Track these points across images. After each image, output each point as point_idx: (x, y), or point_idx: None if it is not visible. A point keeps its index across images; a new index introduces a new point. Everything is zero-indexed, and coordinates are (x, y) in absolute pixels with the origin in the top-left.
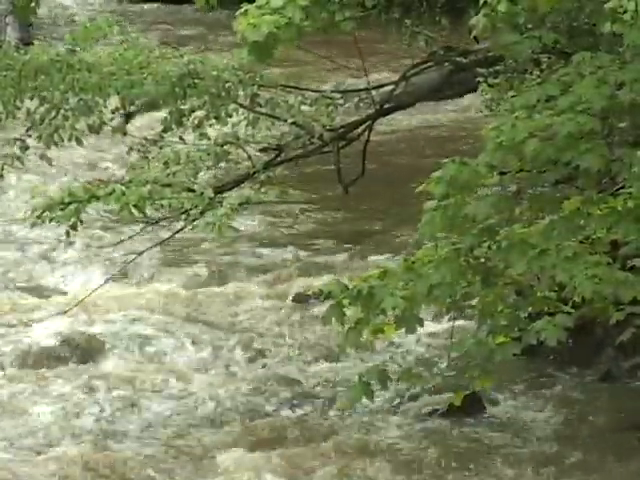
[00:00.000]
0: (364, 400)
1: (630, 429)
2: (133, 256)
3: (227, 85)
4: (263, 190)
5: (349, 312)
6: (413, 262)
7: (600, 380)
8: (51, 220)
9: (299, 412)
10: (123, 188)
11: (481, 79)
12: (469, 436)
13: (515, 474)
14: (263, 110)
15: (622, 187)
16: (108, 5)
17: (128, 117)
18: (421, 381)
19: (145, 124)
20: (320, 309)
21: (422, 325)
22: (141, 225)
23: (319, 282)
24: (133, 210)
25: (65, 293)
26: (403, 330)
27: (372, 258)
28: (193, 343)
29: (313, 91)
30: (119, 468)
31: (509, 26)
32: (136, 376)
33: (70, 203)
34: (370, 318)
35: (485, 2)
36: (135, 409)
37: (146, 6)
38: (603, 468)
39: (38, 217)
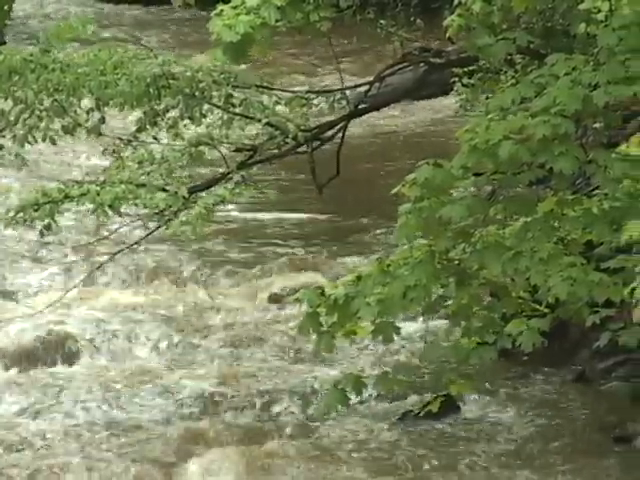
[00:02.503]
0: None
1: (604, 430)
2: (107, 257)
3: (201, 85)
4: (238, 190)
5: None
6: (388, 265)
7: (575, 381)
8: (25, 221)
9: (272, 412)
10: (97, 188)
11: (456, 79)
12: (443, 437)
13: (489, 474)
14: (237, 110)
15: (596, 188)
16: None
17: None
18: (398, 385)
19: (120, 124)
20: (295, 309)
21: (398, 333)
22: (116, 225)
23: (294, 282)
24: (107, 210)
25: (39, 293)
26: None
27: (347, 258)
28: (167, 342)
29: (287, 91)
30: (89, 466)
31: (483, 26)
32: (109, 375)
33: (45, 204)
34: (344, 323)
35: (460, 2)
36: (107, 407)
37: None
38: (577, 468)
39: (12, 218)
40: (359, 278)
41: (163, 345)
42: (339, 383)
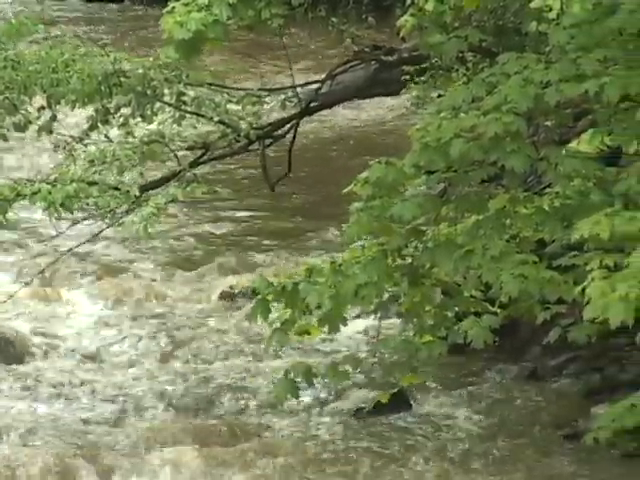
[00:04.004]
0: (291, 398)
1: (554, 427)
2: (57, 256)
3: (153, 83)
4: (189, 189)
5: (276, 313)
6: (340, 264)
7: (526, 378)
8: None
9: (224, 410)
10: (49, 187)
11: (407, 77)
12: (395, 433)
13: (439, 470)
14: (189, 108)
15: (548, 186)
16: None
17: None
18: (346, 377)
19: (71, 122)
20: (246, 307)
21: (345, 324)
22: (68, 223)
23: (245, 280)
24: (59, 209)
25: None
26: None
27: (298, 257)
28: (119, 341)
29: (239, 89)
30: (48, 464)
31: (436, 25)
32: (63, 373)
33: None
34: (296, 318)
35: (412, 2)
36: (62, 405)
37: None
38: (527, 465)
39: None
40: (310, 270)
41: (114, 343)
42: (289, 373)
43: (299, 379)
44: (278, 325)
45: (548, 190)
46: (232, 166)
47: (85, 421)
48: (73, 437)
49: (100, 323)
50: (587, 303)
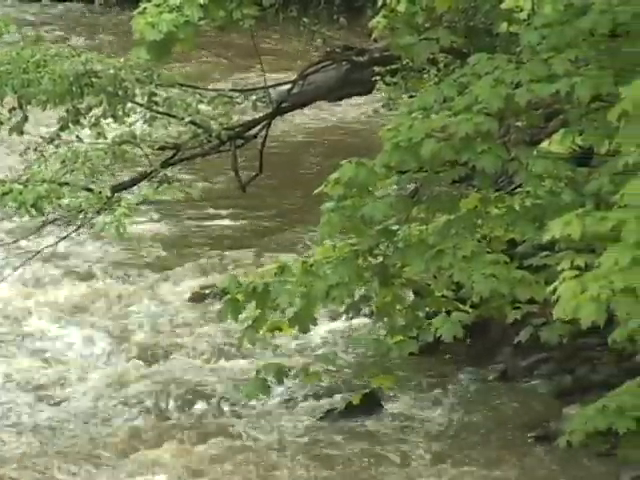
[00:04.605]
0: (261, 399)
1: (526, 428)
2: (28, 257)
3: (124, 84)
4: (161, 189)
5: (247, 312)
6: (311, 265)
7: (497, 379)
8: None
9: (194, 411)
10: (20, 187)
11: (378, 78)
12: (366, 434)
13: (411, 471)
14: (160, 109)
15: (519, 186)
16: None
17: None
18: (318, 378)
19: (42, 123)
20: (217, 307)
21: (316, 325)
22: (38, 224)
23: (216, 281)
24: (31, 210)
25: None
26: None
27: (269, 257)
28: (88, 343)
29: (210, 90)
30: (22, 466)
31: (407, 26)
32: (31, 375)
33: None
34: (266, 315)
35: (384, 3)
36: (28, 408)
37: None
38: (497, 465)
39: None
40: (281, 269)
41: (84, 345)
42: (260, 372)
43: (270, 378)
44: (249, 324)
45: (519, 190)
46: (203, 166)
47: (52, 424)
48: (42, 439)
49: (68, 324)
50: (557, 302)
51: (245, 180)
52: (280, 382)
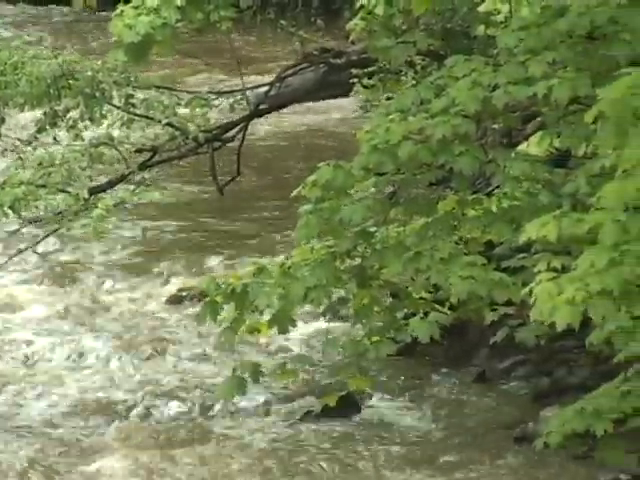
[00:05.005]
0: (238, 402)
1: (504, 430)
2: (4, 259)
3: (101, 86)
4: (138, 191)
5: (225, 313)
6: (289, 267)
7: (474, 381)
8: None
9: (171, 414)
10: None
11: (355, 80)
12: (343, 437)
13: (389, 475)
14: (138, 111)
15: (496, 188)
16: None
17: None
18: (295, 376)
19: (19, 124)
20: (194, 310)
21: (294, 326)
22: (15, 226)
23: (193, 283)
24: (8, 212)
25: None
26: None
27: (247, 259)
28: (66, 346)
29: (188, 92)
30: None
31: (385, 29)
32: (7, 378)
33: None
34: (244, 317)
35: (362, 6)
36: (6, 408)
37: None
38: (476, 468)
39: None
40: (260, 270)
41: (61, 348)
42: (237, 370)
43: (246, 376)
44: (227, 325)
45: (496, 192)
46: (181, 169)
47: (31, 426)
48: (21, 443)
49: (44, 327)
50: (534, 303)
51: (223, 183)
52: (256, 381)
